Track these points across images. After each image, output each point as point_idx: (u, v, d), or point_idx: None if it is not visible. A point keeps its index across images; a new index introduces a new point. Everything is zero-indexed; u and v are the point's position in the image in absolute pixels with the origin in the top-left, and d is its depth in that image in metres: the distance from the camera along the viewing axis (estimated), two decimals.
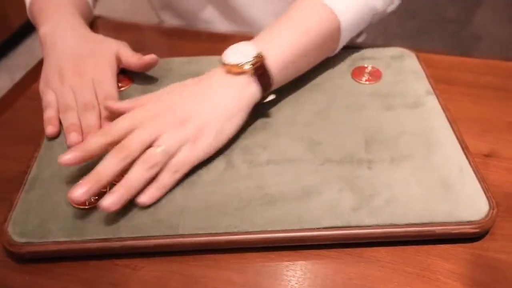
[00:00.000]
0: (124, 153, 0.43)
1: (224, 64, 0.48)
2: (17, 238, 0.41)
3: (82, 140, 0.48)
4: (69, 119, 0.50)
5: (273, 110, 0.52)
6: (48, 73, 0.54)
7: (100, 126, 0.50)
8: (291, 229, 0.41)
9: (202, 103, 0.46)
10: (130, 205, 0.43)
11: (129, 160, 0.43)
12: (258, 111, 0.51)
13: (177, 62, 0.61)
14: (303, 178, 0.44)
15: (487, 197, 0.42)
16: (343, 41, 0.56)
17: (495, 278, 0.39)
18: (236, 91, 0.47)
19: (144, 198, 0.42)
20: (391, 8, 0.60)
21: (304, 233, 0.41)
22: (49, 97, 0.53)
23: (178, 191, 0.44)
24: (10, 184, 0.47)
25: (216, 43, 0.68)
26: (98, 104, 0.51)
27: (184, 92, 0.48)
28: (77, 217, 0.42)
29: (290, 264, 0.41)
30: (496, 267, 0.40)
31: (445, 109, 0.52)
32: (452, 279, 0.39)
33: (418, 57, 0.59)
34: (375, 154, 0.46)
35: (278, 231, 0.41)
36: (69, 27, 0.57)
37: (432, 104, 0.52)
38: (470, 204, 0.42)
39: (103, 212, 0.42)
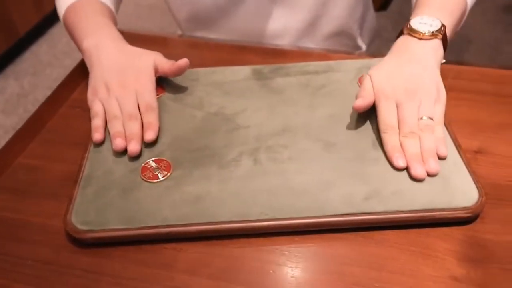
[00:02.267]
0: (414, 131, 0.53)
1: (416, 32, 0.59)
2: (80, 226, 0.48)
3: (126, 146, 0.55)
4: (116, 127, 0.57)
5: (291, 115, 0.60)
6: (95, 85, 0.61)
7: (142, 134, 0.56)
8: (314, 216, 0.48)
9: (424, 71, 0.57)
10: (175, 198, 0.50)
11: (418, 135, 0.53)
12: (278, 117, 0.59)
13: (202, 72, 0.68)
14: (322, 174, 0.52)
15: (477, 187, 0.50)
16: (463, 19, 0.68)
17: (485, 255, 0.47)
18: (434, 52, 0.59)
19: (444, 153, 0.52)
20: None
21: (324, 219, 0.48)
22: (97, 107, 0.59)
23: (214, 186, 0.51)
24: (64, 182, 0.55)
25: (234, 54, 0.75)
26: (140, 114, 0.58)
27: (404, 68, 0.58)
28: (130, 208, 0.49)
29: (312, 245, 0.48)
30: (485, 246, 0.47)
31: None
32: (449, 255, 0.47)
33: None
34: (381, 152, 0.54)
35: (303, 218, 0.48)
36: (110, 41, 0.64)
37: None
38: (463, 193, 0.50)
39: (152, 204, 0.50)
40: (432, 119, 0.54)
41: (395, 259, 0.46)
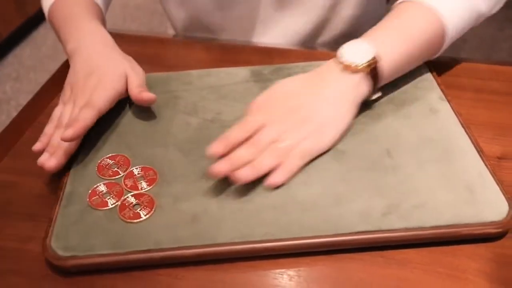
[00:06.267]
0: (256, 147, 0.48)
1: (341, 62, 0.51)
2: (61, 252, 0.42)
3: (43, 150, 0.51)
4: (54, 139, 0.52)
5: None
6: (65, 87, 0.57)
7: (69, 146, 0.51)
8: (325, 235, 0.43)
9: (321, 103, 0.50)
10: (169, 217, 0.44)
11: (259, 153, 0.48)
12: None
13: (196, 74, 0.62)
14: (332, 186, 0.46)
15: (506, 199, 0.45)
16: (446, 45, 0.57)
17: None
18: (351, 90, 0.50)
19: (275, 179, 0.46)
20: (496, 9, 0.60)
21: (338, 238, 0.43)
22: (56, 110, 0.55)
23: (213, 203, 0.46)
24: (42, 200, 0.49)
25: (230, 54, 0.70)
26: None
27: (302, 90, 0.51)
28: (119, 230, 0.44)
29: (325, 268, 0.43)
30: None
31: (458, 114, 0.54)
32: (480, 278, 0.41)
33: (428, 65, 0.62)
34: (398, 160, 0.49)
35: (314, 237, 0.43)
36: (90, 43, 0.58)
37: (446, 110, 0.55)
38: (491, 206, 0.44)
39: (144, 225, 0.44)
40: (294, 149, 0.48)
41: (421, 283, 0.41)
